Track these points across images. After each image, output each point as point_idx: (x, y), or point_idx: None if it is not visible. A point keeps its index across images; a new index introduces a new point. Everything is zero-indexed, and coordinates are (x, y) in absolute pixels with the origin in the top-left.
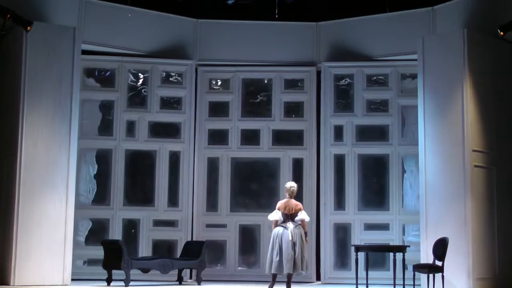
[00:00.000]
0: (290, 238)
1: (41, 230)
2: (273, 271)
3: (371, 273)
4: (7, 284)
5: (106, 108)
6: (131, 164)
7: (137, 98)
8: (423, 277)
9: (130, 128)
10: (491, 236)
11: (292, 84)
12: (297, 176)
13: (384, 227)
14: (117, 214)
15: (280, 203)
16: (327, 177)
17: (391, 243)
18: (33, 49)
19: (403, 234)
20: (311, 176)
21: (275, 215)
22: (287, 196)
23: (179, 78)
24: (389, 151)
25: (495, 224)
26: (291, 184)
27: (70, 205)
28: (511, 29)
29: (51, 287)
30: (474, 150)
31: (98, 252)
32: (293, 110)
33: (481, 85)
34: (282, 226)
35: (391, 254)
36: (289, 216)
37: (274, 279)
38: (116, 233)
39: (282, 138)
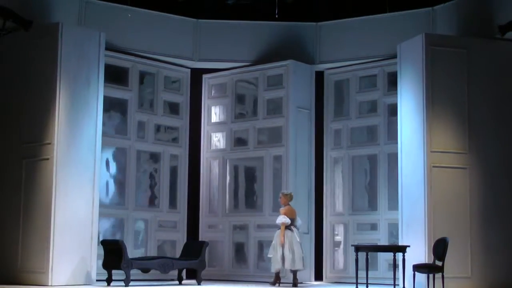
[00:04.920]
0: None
1: (72, 231)
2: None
3: (363, 273)
4: (46, 284)
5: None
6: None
7: (146, 100)
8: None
9: (140, 128)
10: (463, 237)
11: (273, 81)
12: (276, 173)
13: (373, 227)
14: (131, 214)
15: None
16: (328, 181)
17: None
18: (66, 53)
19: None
20: (287, 171)
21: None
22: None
23: (177, 83)
24: (377, 151)
25: (469, 224)
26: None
27: (96, 206)
28: (510, 29)
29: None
30: (432, 151)
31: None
32: (274, 107)
33: (449, 87)
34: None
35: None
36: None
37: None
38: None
39: (265, 136)
